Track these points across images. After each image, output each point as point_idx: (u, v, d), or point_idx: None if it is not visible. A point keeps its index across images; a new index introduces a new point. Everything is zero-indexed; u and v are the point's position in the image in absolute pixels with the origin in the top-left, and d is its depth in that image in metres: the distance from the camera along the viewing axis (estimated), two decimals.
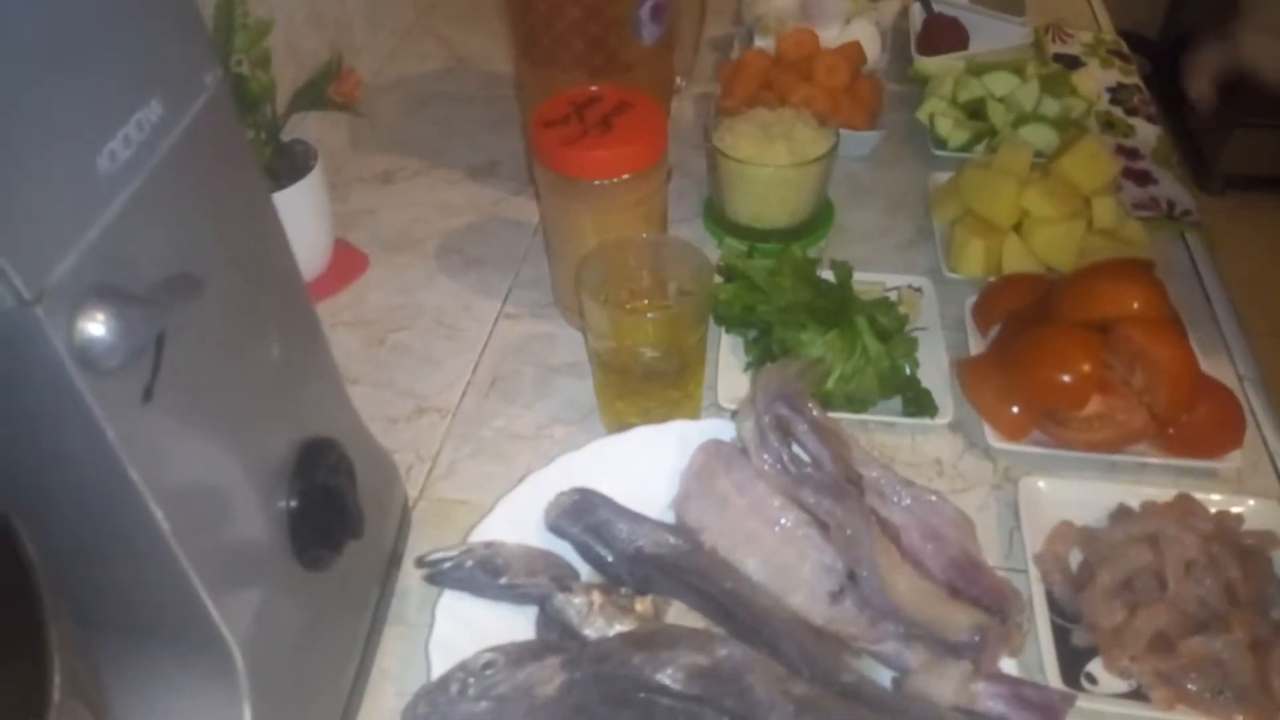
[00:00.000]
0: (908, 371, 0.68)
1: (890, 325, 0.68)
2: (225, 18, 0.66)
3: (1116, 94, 1.00)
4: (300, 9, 0.93)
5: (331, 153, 0.91)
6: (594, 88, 0.71)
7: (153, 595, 0.40)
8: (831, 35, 0.98)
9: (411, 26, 1.18)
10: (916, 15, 1.05)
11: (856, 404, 0.67)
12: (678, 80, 0.90)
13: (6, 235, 0.29)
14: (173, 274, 0.36)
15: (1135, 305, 0.65)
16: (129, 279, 0.33)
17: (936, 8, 1.05)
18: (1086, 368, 0.63)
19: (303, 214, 0.75)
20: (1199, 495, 0.59)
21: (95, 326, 0.31)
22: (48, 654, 0.29)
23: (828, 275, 0.72)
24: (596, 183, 0.67)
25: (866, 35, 0.98)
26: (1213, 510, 0.59)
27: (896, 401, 0.68)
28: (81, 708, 0.30)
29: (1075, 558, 0.59)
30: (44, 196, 0.30)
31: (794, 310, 0.68)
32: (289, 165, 0.75)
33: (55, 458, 0.35)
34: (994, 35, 0.99)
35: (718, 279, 0.73)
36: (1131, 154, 0.88)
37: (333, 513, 0.50)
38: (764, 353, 0.69)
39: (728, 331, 0.73)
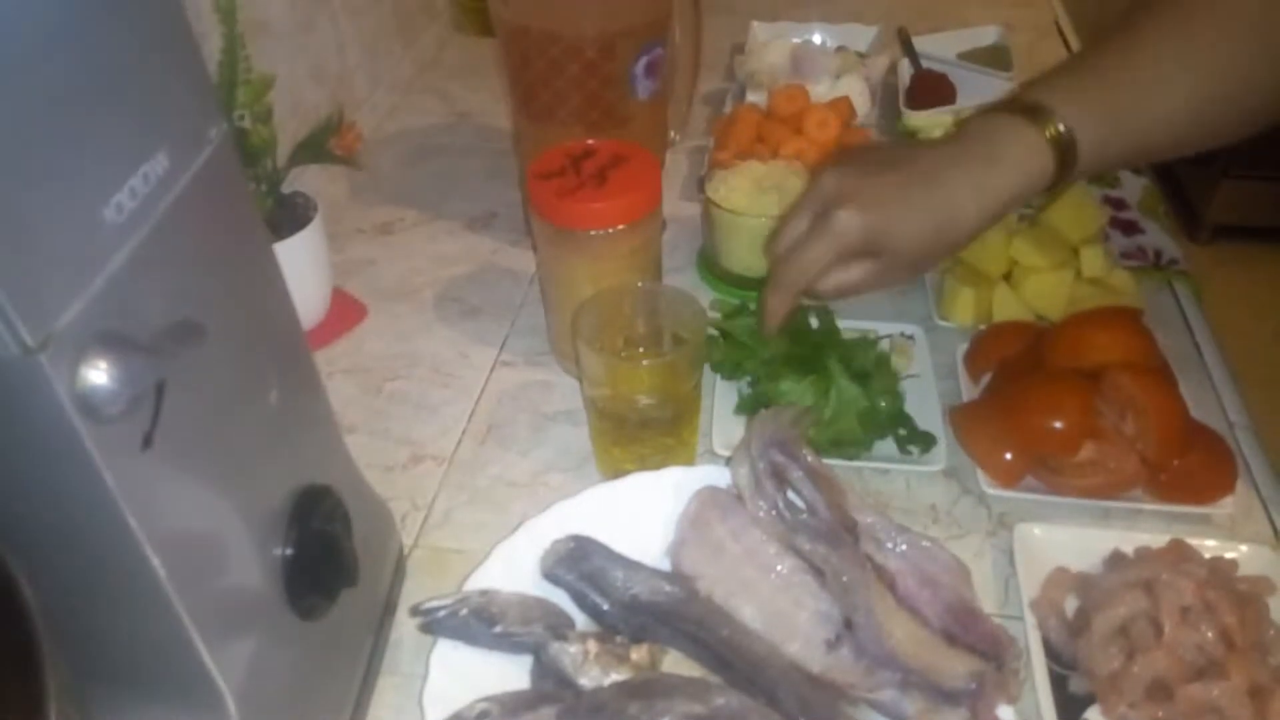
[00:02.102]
0: (888, 408, 0.68)
1: (866, 364, 0.68)
2: (229, 73, 0.68)
3: None
4: (303, 64, 0.95)
5: (331, 204, 0.93)
6: (590, 141, 0.72)
7: (147, 642, 0.40)
8: (822, 90, 1.00)
9: (412, 82, 1.21)
10: (905, 71, 1.08)
11: (847, 448, 0.67)
12: (672, 134, 0.92)
13: (13, 285, 0.29)
14: (174, 322, 0.37)
15: (1124, 353, 0.66)
16: (131, 327, 0.34)
17: (924, 64, 1.07)
18: (1077, 414, 0.63)
19: (302, 264, 0.76)
20: (1193, 541, 0.60)
21: (97, 374, 0.32)
22: (44, 702, 0.29)
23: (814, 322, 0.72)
24: (592, 233, 0.68)
25: (856, 90, 1.00)
26: (1207, 556, 0.59)
27: (891, 446, 0.68)
28: None
29: (1071, 604, 0.59)
30: (51, 246, 0.31)
31: (774, 362, 0.69)
32: (289, 217, 0.76)
33: (54, 503, 0.35)
34: (981, 90, 1.01)
35: (713, 334, 0.74)
36: (1118, 204, 0.90)
37: (328, 560, 0.50)
38: (754, 403, 0.69)
39: (724, 379, 0.73)
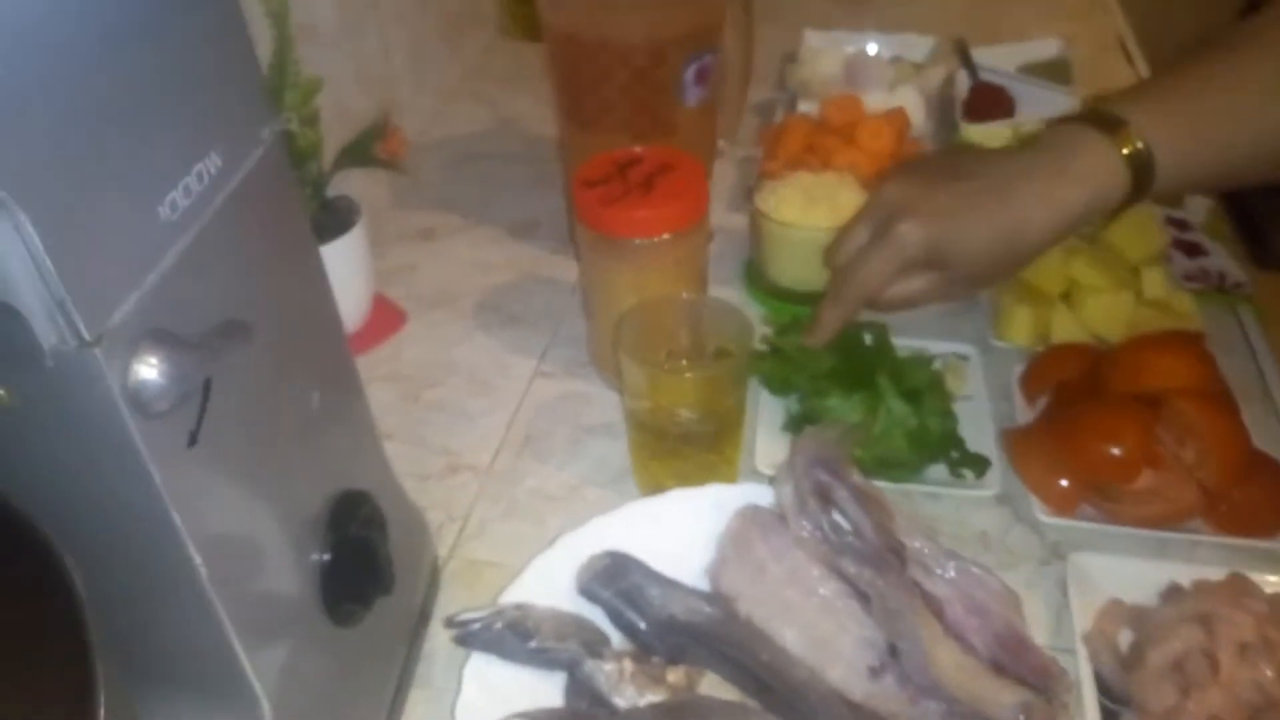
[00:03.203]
0: (940, 429, 0.66)
1: (918, 384, 0.67)
2: (278, 76, 0.68)
3: None
4: (349, 69, 0.95)
5: (374, 209, 0.93)
6: (637, 149, 0.71)
7: (186, 642, 0.40)
8: (876, 101, 0.98)
9: (457, 88, 1.21)
10: (962, 83, 1.06)
11: (893, 469, 0.66)
12: (720, 143, 0.91)
13: (73, 279, 0.29)
14: (223, 321, 0.36)
15: (1185, 378, 0.64)
16: (182, 324, 0.34)
17: (983, 76, 1.05)
18: (1136, 441, 0.62)
19: (344, 269, 0.76)
20: (1253, 575, 0.57)
21: (148, 370, 0.32)
22: (94, 692, 0.29)
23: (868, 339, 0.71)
24: (637, 242, 0.67)
25: (911, 102, 0.99)
26: (1268, 591, 0.57)
27: (941, 470, 0.66)
28: None
29: (1125, 637, 0.57)
30: (109, 243, 0.31)
31: (822, 379, 0.68)
32: (333, 220, 0.76)
33: (102, 498, 0.35)
34: (1041, 104, 0.99)
35: (763, 349, 0.73)
36: (1181, 225, 0.88)
37: (364, 567, 0.50)
38: (802, 420, 0.68)
39: (771, 394, 0.72)
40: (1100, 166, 0.58)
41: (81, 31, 0.30)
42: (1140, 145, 0.58)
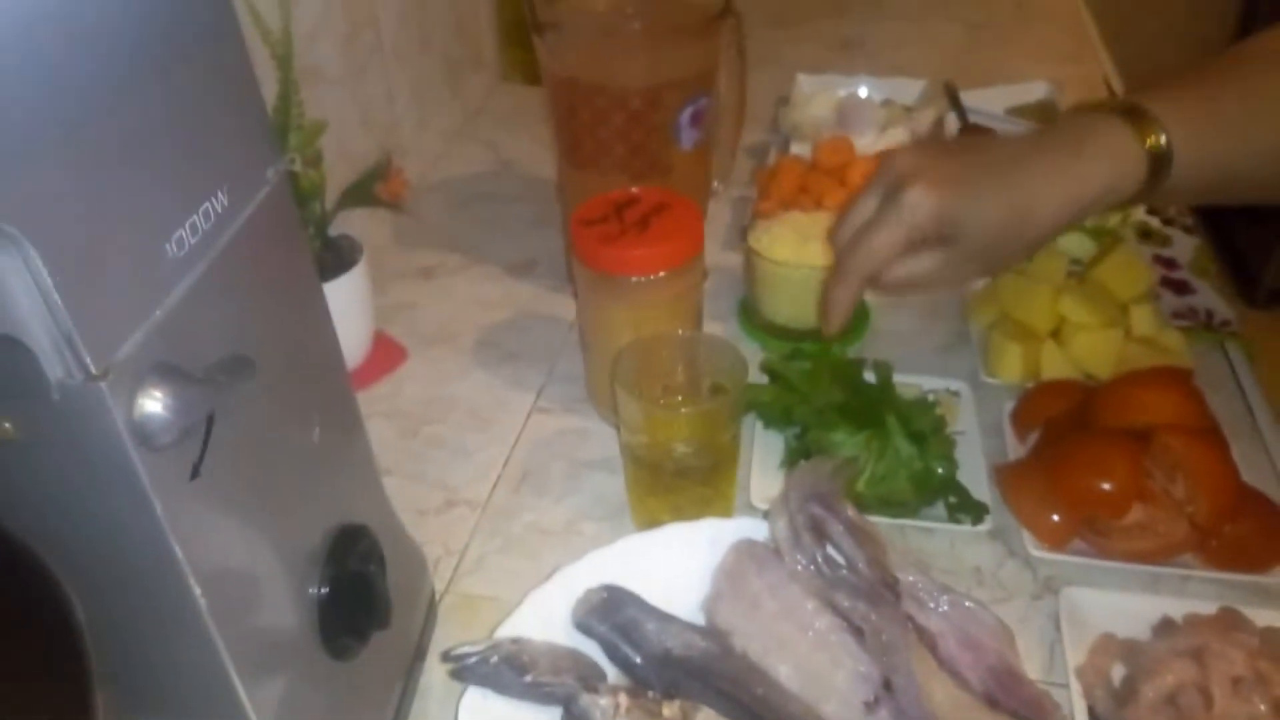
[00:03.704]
0: (943, 473, 0.67)
1: (924, 427, 0.67)
2: (283, 118, 0.70)
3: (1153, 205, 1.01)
4: (353, 111, 0.97)
5: (375, 248, 0.94)
6: (633, 189, 0.73)
7: (184, 672, 0.40)
8: (867, 143, 1.00)
9: (458, 130, 1.23)
10: (952, 125, 1.08)
11: (893, 507, 0.66)
12: (715, 184, 0.92)
13: (81, 313, 0.30)
14: (227, 356, 0.37)
15: (1174, 413, 0.65)
16: (187, 359, 0.35)
17: (972, 118, 1.07)
18: (1126, 476, 0.62)
19: (346, 306, 0.77)
20: (1245, 610, 0.58)
21: (153, 403, 0.32)
22: (92, 718, 0.29)
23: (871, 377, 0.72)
24: (633, 279, 0.68)
25: (902, 143, 1.01)
26: (1259, 625, 0.57)
27: (939, 507, 0.67)
28: None
29: (1118, 672, 0.57)
30: (116, 278, 0.32)
31: (828, 411, 0.68)
32: (335, 259, 0.77)
33: (104, 529, 0.35)
34: None
35: (762, 379, 0.73)
36: (1169, 264, 0.89)
37: (361, 601, 0.50)
38: (803, 453, 0.69)
39: (767, 428, 0.73)
40: (1120, 152, 0.57)
41: (94, 73, 0.31)
42: (1162, 139, 0.56)
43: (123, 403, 0.32)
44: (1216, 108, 0.59)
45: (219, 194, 0.37)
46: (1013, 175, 0.58)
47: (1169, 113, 0.57)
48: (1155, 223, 0.97)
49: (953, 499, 0.66)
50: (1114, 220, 0.91)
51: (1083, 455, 0.64)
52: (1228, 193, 0.63)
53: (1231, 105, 0.59)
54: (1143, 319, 0.77)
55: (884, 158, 0.62)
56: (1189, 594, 0.62)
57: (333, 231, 0.78)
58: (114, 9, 0.32)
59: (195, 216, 0.36)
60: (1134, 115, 0.57)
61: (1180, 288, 0.86)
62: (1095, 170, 0.57)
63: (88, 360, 0.31)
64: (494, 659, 0.53)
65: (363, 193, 0.79)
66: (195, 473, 0.36)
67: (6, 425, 0.33)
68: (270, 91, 0.68)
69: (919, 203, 0.57)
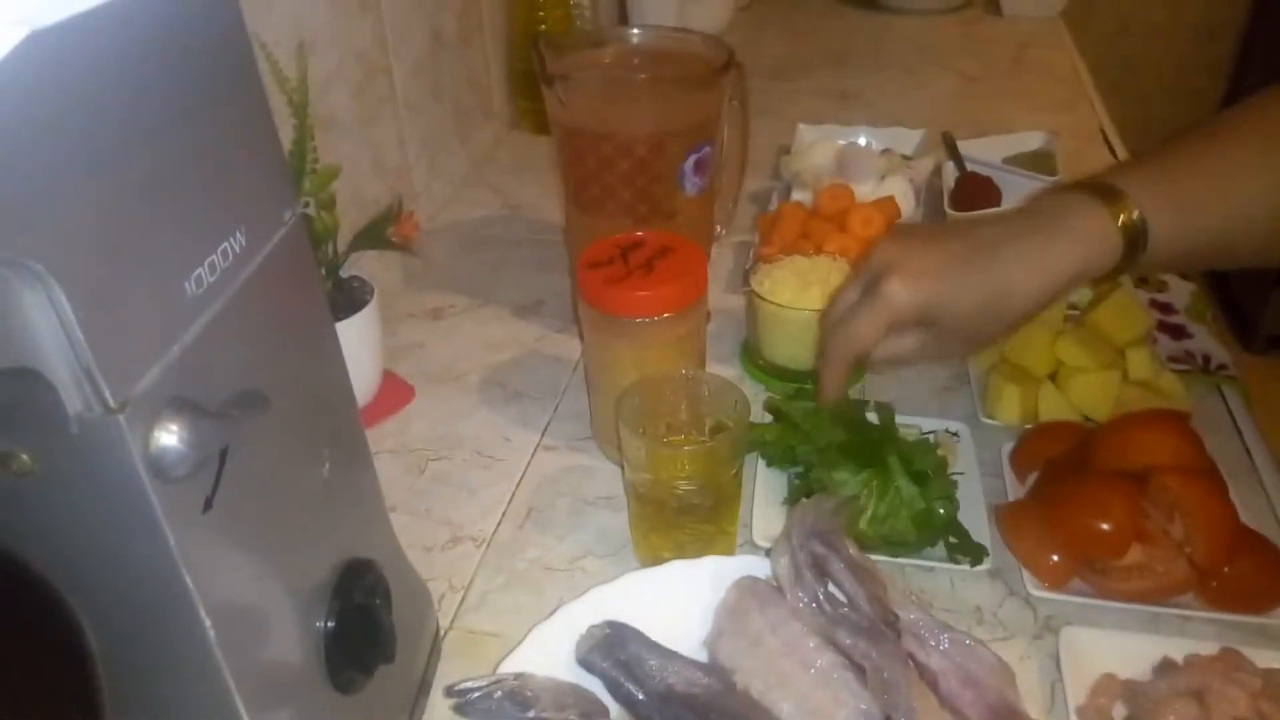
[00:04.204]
0: (944, 514, 0.67)
1: (926, 467, 0.68)
2: (298, 162, 0.72)
3: None
4: (366, 157, 0.99)
5: (386, 289, 0.96)
6: (638, 233, 0.74)
7: (191, 702, 0.41)
8: (866, 190, 1.02)
9: (468, 176, 1.26)
10: (950, 173, 1.10)
11: (894, 546, 0.67)
12: (717, 229, 0.94)
13: (101, 348, 0.31)
14: (241, 392, 0.38)
15: (1172, 455, 0.65)
16: (203, 394, 0.36)
17: (970, 167, 1.09)
18: (1124, 516, 0.63)
19: (357, 345, 0.78)
20: (1246, 650, 0.58)
21: (169, 437, 0.33)
22: None
23: (874, 418, 0.73)
24: (638, 320, 0.70)
25: (900, 191, 1.02)
26: (1261, 666, 0.57)
27: (940, 546, 0.67)
28: None
29: (1119, 712, 0.57)
30: (136, 315, 0.33)
31: (831, 450, 0.69)
32: (346, 299, 0.79)
33: (117, 559, 0.36)
34: (1026, 193, 1.02)
35: (767, 419, 0.74)
36: (1165, 308, 0.90)
37: (367, 635, 0.50)
38: (805, 492, 0.69)
39: (769, 466, 0.74)
40: (1093, 232, 0.59)
41: (120, 118, 0.32)
42: (1135, 215, 0.58)
43: (139, 436, 0.33)
44: (1190, 183, 0.60)
45: (237, 234, 0.38)
46: (988, 263, 0.60)
47: (1142, 189, 0.59)
48: None
49: (953, 539, 0.67)
50: None
51: (1081, 496, 0.65)
52: (1205, 262, 0.66)
53: (1204, 179, 0.60)
54: (1140, 362, 0.78)
55: (869, 248, 0.66)
56: (1190, 634, 0.62)
57: (345, 273, 0.80)
58: (141, 57, 0.33)
59: (214, 256, 0.37)
60: (1107, 194, 0.59)
61: (1177, 332, 0.87)
62: (1070, 251, 0.59)
63: (106, 394, 0.32)
64: (497, 694, 0.53)
65: (374, 235, 0.81)
66: (208, 505, 0.37)
67: (25, 457, 0.34)
68: (286, 137, 0.70)
69: (897, 293, 0.61)
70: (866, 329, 0.62)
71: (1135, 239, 0.59)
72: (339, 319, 0.75)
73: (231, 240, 0.38)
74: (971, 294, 0.60)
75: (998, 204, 1.02)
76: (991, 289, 0.60)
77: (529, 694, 0.53)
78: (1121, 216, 0.59)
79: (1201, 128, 0.63)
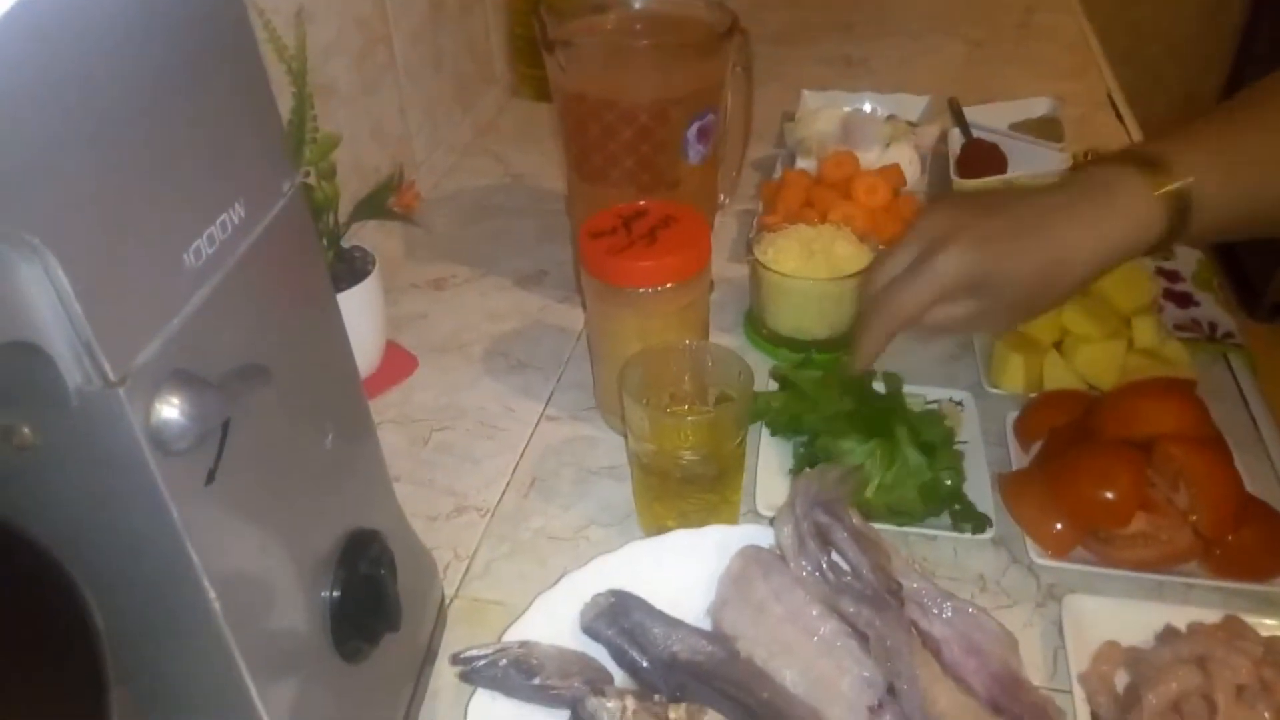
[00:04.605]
0: (951, 484, 0.67)
1: (933, 438, 0.68)
2: (298, 131, 0.71)
3: None
4: (366, 126, 0.99)
5: (387, 260, 0.95)
6: (641, 202, 0.74)
7: (198, 675, 0.41)
8: (871, 158, 1.01)
9: (469, 144, 1.25)
10: (955, 140, 1.09)
11: (899, 515, 0.67)
12: (721, 197, 0.93)
13: (100, 321, 0.31)
14: (243, 364, 0.38)
15: (1177, 423, 0.65)
16: (203, 367, 0.36)
17: (975, 133, 1.08)
18: (1129, 485, 0.63)
19: (359, 316, 0.78)
20: (1249, 618, 0.58)
21: (170, 410, 0.33)
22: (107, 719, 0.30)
23: (881, 387, 0.73)
24: (641, 291, 0.69)
25: (906, 158, 1.02)
26: (1264, 634, 0.57)
27: (944, 515, 0.67)
28: None
29: (1121, 679, 0.57)
30: (135, 287, 0.33)
31: (837, 419, 0.69)
32: (348, 270, 0.78)
33: (121, 533, 0.36)
34: (1032, 160, 1.01)
35: (772, 387, 0.74)
36: (1172, 276, 0.89)
37: (373, 604, 0.51)
38: (810, 461, 0.69)
39: (773, 436, 0.74)
40: (1142, 203, 0.59)
41: (115, 88, 0.32)
42: (1179, 185, 0.58)
43: (140, 409, 0.33)
44: (1234, 150, 0.60)
45: (236, 206, 0.38)
46: (1044, 231, 0.60)
47: (1187, 160, 0.59)
48: None
49: (957, 507, 0.67)
50: None
51: (1086, 465, 0.65)
52: (1252, 230, 0.64)
53: (1249, 146, 0.60)
54: (1145, 331, 0.77)
55: (920, 212, 0.65)
56: (1193, 602, 0.62)
57: (346, 243, 0.79)
58: (137, 26, 0.33)
59: (213, 228, 0.36)
60: (1153, 165, 0.59)
61: (1183, 300, 0.87)
62: (1121, 223, 0.59)
63: (106, 367, 0.32)
64: (502, 662, 0.53)
65: (375, 205, 0.80)
66: (210, 478, 0.37)
67: (26, 431, 0.34)
68: (285, 107, 0.70)
69: (951, 264, 0.60)
70: (916, 298, 0.62)
71: (1182, 210, 0.58)
72: (340, 290, 0.75)
73: (230, 211, 0.38)
74: (1028, 262, 0.60)
75: (1003, 171, 1.01)
76: (1048, 256, 0.60)
77: (534, 662, 0.54)
78: (1169, 188, 0.58)
79: (1246, 93, 0.62)
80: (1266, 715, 0.53)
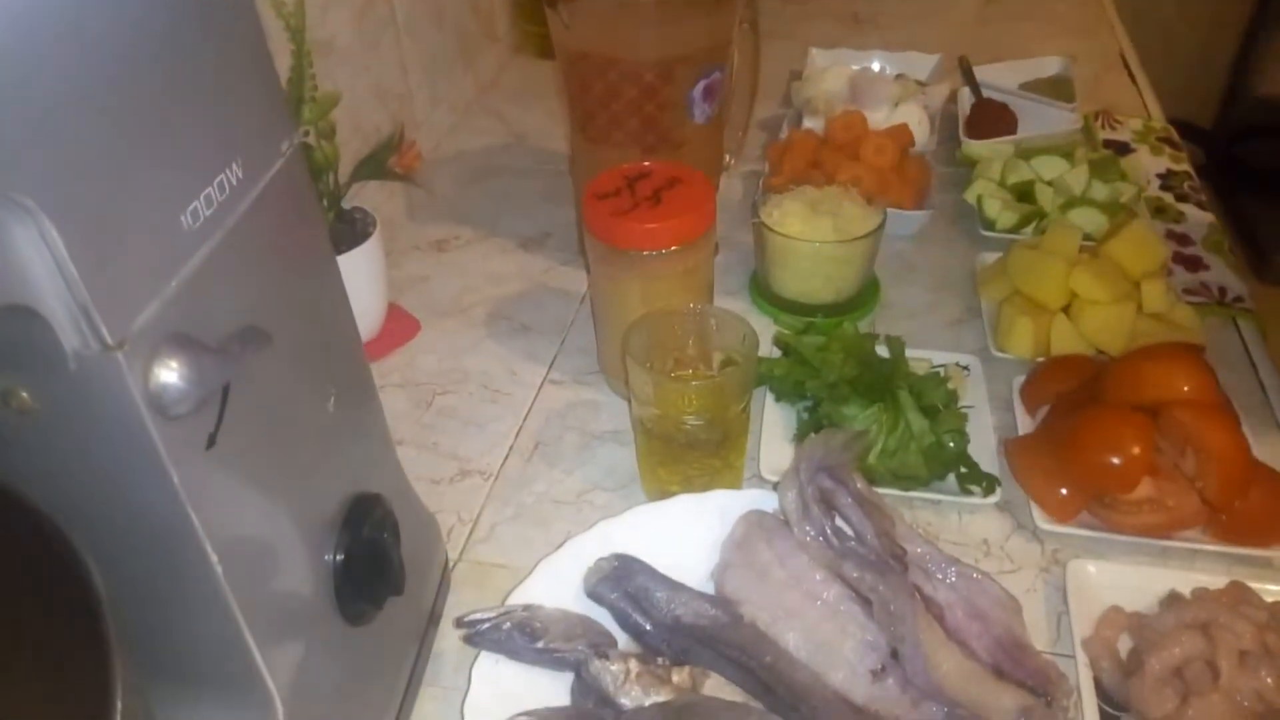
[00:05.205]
0: (955, 447, 0.67)
1: (937, 401, 0.68)
2: (296, 90, 0.70)
3: (1166, 180, 1.00)
4: (366, 84, 0.97)
5: (389, 221, 0.95)
6: (645, 163, 0.73)
7: (202, 640, 0.41)
8: (880, 118, 1.00)
9: (471, 103, 1.23)
10: (965, 99, 1.07)
11: (903, 480, 0.67)
12: (727, 158, 0.92)
13: (97, 285, 0.31)
14: (242, 327, 0.38)
15: (1185, 389, 0.65)
16: (202, 330, 0.35)
17: (985, 93, 1.07)
18: (1136, 450, 0.62)
19: (360, 278, 0.77)
20: (1253, 584, 0.58)
21: (169, 374, 0.33)
22: (111, 689, 0.30)
23: (884, 352, 0.72)
24: (645, 253, 0.69)
25: (914, 118, 1.00)
26: (1268, 600, 0.57)
27: (948, 480, 0.67)
28: None
29: (1125, 644, 0.57)
30: (132, 250, 0.32)
31: (841, 385, 0.69)
32: (349, 231, 0.78)
33: (122, 498, 0.36)
34: (1043, 121, 1.00)
35: (775, 353, 0.74)
36: (1182, 239, 0.89)
37: (376, 568, 0.51)
38: (814, 427, 0.69)
39: (778, 401, 0.73)
40: None
41: (108, 47, 0.31)
42: None
43: (139, 373, 0.33)
44: None
45: (234, 166, 0.37)
46: None
47: None
48: (1169, 198, 0.97)
49: (963, 469, 0.67)
50: (1127, 195, 0.90)
51: (1093, 430, 0.64)
52: None
53: None
54: (1154, 294, 0.76)
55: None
56: (1197, 568, 0.62)
57: (346, 204, 0.79)
58: None
59: (210, 189, 0.36)
60: None
61: (1193, 264, 0.86)
62: None
63: (104, 331, 0.31)
64: (506, 625, 0.54)
65: (376, 165, 0.79)
66: (211, 442, 0.37)
67: (24, 396, 0.34)
68: (283, 65, 0.68)
69: None
70: None
71: None
72: (341, 251, 0.74)
73: (228, 172, 0.37)
74: None
75: (1013, 132, 1.00)
76: None
77: (538, 625, 0.54)
78: None
79: None
80: (1270, 680, 0.53)
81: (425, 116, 1.12)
